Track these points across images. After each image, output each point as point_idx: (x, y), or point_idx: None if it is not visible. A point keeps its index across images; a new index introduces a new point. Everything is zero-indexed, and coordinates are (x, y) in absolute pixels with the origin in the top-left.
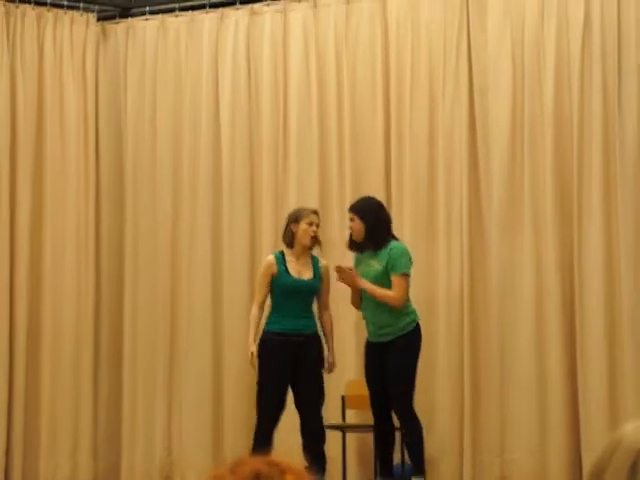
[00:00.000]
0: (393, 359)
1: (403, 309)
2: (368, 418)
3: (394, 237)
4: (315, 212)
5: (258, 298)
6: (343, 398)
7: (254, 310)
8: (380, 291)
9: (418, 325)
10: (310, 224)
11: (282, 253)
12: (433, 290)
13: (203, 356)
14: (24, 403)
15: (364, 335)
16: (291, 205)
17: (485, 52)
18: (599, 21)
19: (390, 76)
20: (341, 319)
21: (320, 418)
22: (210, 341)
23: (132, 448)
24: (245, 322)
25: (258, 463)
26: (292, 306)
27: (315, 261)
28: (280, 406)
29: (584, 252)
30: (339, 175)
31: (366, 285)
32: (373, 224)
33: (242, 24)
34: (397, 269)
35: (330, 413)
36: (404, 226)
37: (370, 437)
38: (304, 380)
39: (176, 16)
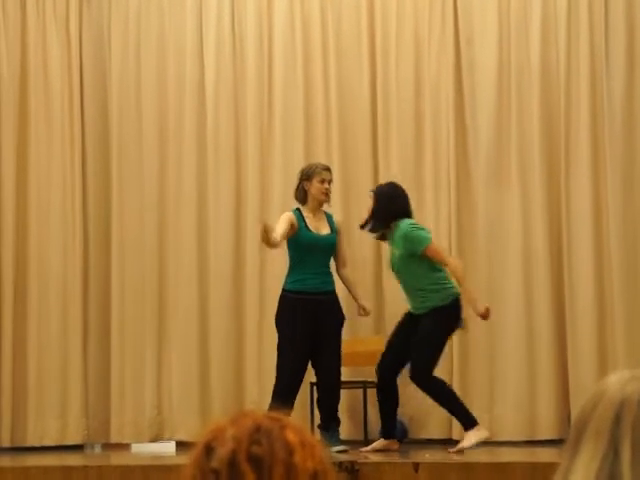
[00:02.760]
0: (421, 328)
1: (431, 284)
2: (359, 375)
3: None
4: (327, 169)
5: (279, 229)
6: None
7: (275, 235)
8: (460, 283)
9: (454, 301)
10: (322, 182)
11: (299, 209)
12: None
13: (191, 315)
14: (12, 364)
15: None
16: (277, 166)
17: (471, 2)
18: None
19: (375, 27)
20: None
21: (338, 375)
22: (197, 300)
23: (121, 407)
24: (231, 282)
25: (259, 416)
26: (312, 262)
27: (329, 217)
28: (301, 372)
29: (572, 205)
30: (325, 129)
31: (467, 293)
32: (380, 207)
33: None
34: (419, 245)
35: None
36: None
37: (361, 393)
38: (325, 338)
39: None
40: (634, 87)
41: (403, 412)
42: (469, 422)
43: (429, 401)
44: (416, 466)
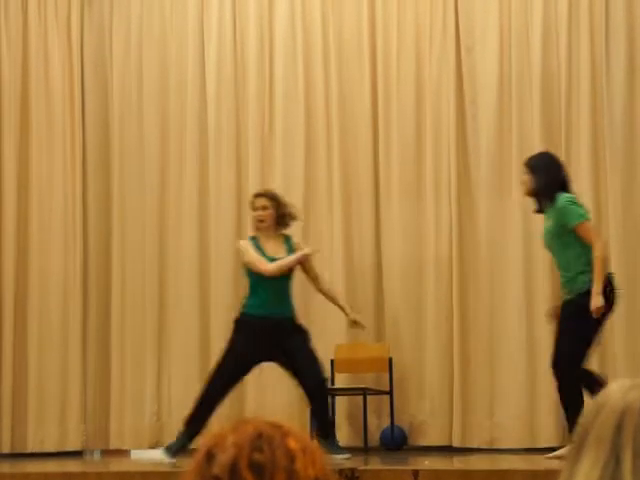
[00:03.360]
0: (562, 319)
1: (580, 266)
2: (359, 381)
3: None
4: (257, 195)
5: (263, 261)
6: (332, 362)
7: (271, 265)
8: (597, 273)
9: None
10: (255, 209)
11: (254, 238)
12: (422, 254)
13: (191, 320)
14: (12, 371)
15: (355, 300)
16: (278, 169)
17: (472, 10)
18: None
19: (376, 34)
20: (331, 285)
21: (322, 381)
22: (198, 306)
23: (121, 414)
24: (232, 288)
25: (261, 423)
26: (271, 286)
27: (287, 240)
28: (231, 385)
29: None
30: (326, 137)
31: (596, 286)
32: (540, 180)
33: None
34: (572, 220)
35: None
36: (392, 189)
37: (361, 400)
38: (295, 351)
39: None
40: (634, 95)
41: (402, 419)
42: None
43: (428, 408)
44: (415, 473)
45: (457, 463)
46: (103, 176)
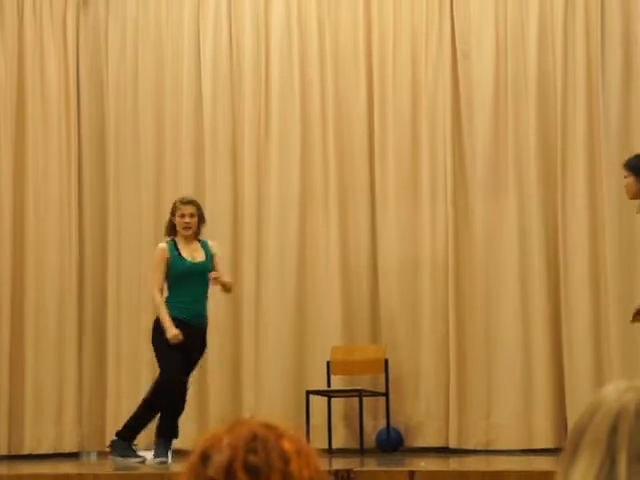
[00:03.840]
0: None
1: None
2: (354, 383)
3: None
4: (187, 202)
5: (157, 284)
6: (328, 364)
7: (157, 296)
8: None
9: None
10: (182, 216)
11: (174, 241)
12: (418, 254)
13: None
14: (8, 373)
15: (350, 301)
16: (274, 171)
17: (468, 16)
18: None
19: (373, 39)
20: (326, 286)
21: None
22: None
23: (117, 415)
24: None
25: (256, 425)
26: (189, 289)
27: (204, 243)
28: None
29: (568, 215)
30: (322, 141)
31: None
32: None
33: None
34: None
35: (315, 379)
36: (388, 190)
37: (356, 402)
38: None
39: None
40: (630, 99)
41: (398, 421)
42: None
43: (424, 409)
44: (411, 475)
45: (453, 464)
46: (99, 176)
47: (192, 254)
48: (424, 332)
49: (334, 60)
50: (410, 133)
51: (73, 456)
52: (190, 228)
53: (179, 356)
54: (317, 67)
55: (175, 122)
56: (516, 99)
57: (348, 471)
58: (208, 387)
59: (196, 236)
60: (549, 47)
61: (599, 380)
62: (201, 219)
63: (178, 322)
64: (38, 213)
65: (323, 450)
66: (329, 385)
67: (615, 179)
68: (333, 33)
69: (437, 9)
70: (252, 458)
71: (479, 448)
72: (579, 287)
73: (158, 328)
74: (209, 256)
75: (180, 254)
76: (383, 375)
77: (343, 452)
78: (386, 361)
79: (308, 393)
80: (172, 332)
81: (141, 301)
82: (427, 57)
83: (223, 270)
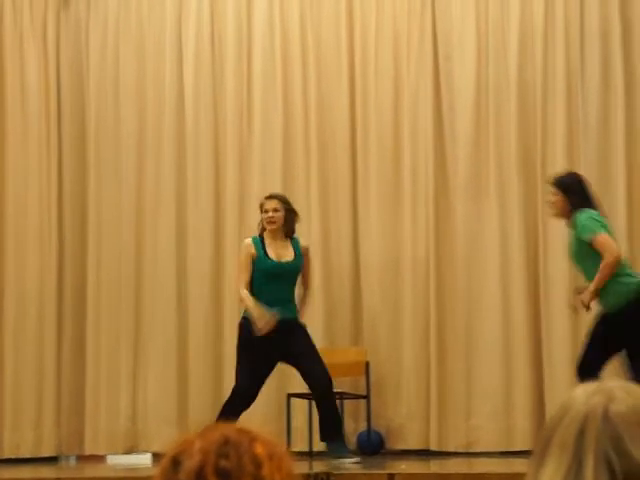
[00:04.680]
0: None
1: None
2: (335, 386)
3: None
4: (268, 197)
5: (243, 279)
6: None
7: (242, 290)
8: (598, 279)
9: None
10: (265, 212)
11: (261, 237)
12: (400, 257)
13: (168, 325)
14: None
15: (332, 302)
16: (256, 166)
17: (449, 18)
18: None
19: (355, 43)
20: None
21: (327, 382)
22: (175, 310)
23: (96, 419)
24: (209, 291)
25: (228, 429)
26: (274, 291)
27: (295, 242)
28: (252, 393)
29: (548, 218)
30: (304, 142)
31: (592, 290)
32: (570, 197)
33: None
34: (587, 233)
35: (296, 382)
36: (370, 194)
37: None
38: (298, 352)
39: None
40: (609, 103)
41: (379, 423)
42: None
43: (405, 412)
44: (391, 477)
45: (434, 467)
46: (79, 174)
47: (278, 252)
48: (405, 335)
49: (316, 60)
50: (392, 134)
51: (52, 460)
52: (274, 223)
53: (256, 364)
54: (299, 71)
55: (157, 120)
56: (497, 102)
57: (328, 474)
58: (189, 390)
59: (287, 234)
60: (529, 48)
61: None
62: (289, 214)
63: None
64: (18, 212)
65: (304, 453)
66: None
67: (594, 181)
68: (315, 36)
69: (419, 11)
70: (223, 463)
71: (460, 450)
72: (559, 289)
73: (241, 330)
74: (298, 256)
75: (266, 252)
76: (364, 378)
77: (324, 455)
78: (367, 364)
79: (289, 396)
80: (260, 323)
81: (121, 303)
82: (409, 59)
83: (308, 272)
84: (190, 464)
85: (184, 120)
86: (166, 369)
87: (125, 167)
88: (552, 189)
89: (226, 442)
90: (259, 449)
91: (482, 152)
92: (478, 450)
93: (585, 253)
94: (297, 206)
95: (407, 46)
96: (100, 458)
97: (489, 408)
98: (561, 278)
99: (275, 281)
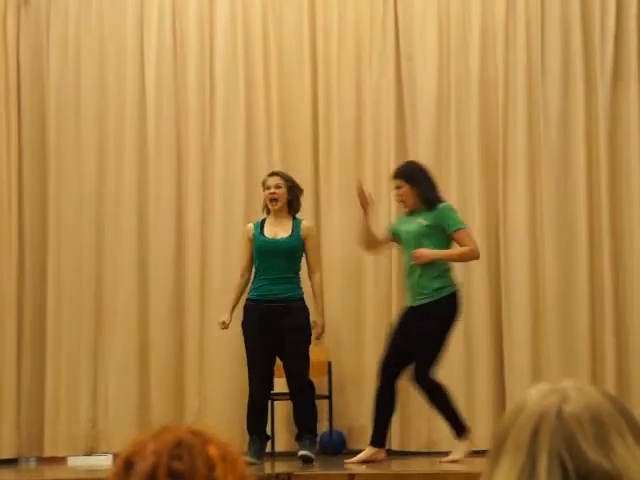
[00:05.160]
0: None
1: (439, 272)
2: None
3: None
4: (271, 174)
5: (240, 265)
6: None
7: (237, 278)
8: (454, 252)
9: (455, 293)
10: (268, 188)
11: (263, 219)
12: (362, 256)
13: (129, 327)
14: None
15: None
16: (218, 170)
17: (411, 19)
18: None
19: (317, 44)
20: None
21: (301, 383)
22: (136, 312)
23: (56, 420)
24: (171, 292)
25: (181, 431)
26: (269, 268)
27: (296, 222)
28: (265, 379)
29: (509, 217)
30: (267, 143)
31: (439, 254)
32: (424, 187)
33: None
34: (458, 224)
35: None
36: (332, 194)
37: None
38: (288, 352)
39: None
40: (569, 101)
41: (341, 424)
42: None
43: (367, 412)
44: (352, 477)
45: (395, 467)
46: (40, 175)
47: (275, 230)
48: (367, 334)
49: (278, 60)
50: (354, 133)
51: (12, 462)
52: (277, 200)
53: (260, 353)
54: (261, 71)
55: (118, 120)
56: (458, 101)
57: (289, 474)
58: (150, 391)
59: (291, 212)
60: (490, 49)
61: (538, 381)
62: (292, 191)
63: (253, 304)
64: None
65: (266, 454)
66: (272, 388)
67: (555, 181)
68: (277, 32)
69: (381, 12)
70: (176, 464)
71: (421, 450)
72: (519, 289)
73: (243, 314)
74: (296, 235)
75: (262, 231)
76: (326, 378)
77: (285, 455)
78: (329, 364)
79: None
80: (220, 319)
81: (82, 304)
82: (371, 58)
83: (313, 258)
84: (143, 466)
85: (146, 119)
86: (127, 370)
87: (87, 167)
88: (397, 181)
89: (179, 444)
90: (212, 451)
91: (443, 153)
92: (439, 450)
93: (431, 242)
94: (260, 210)
95: (369, 45)
96: (60, 460)
97: None
98: (521, 280)
99: (270, 259)
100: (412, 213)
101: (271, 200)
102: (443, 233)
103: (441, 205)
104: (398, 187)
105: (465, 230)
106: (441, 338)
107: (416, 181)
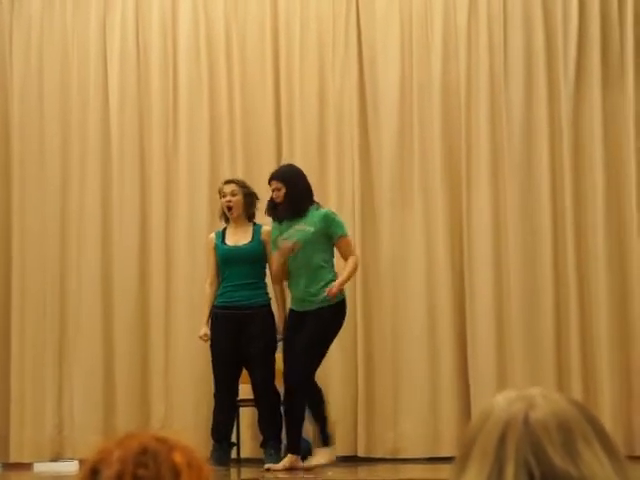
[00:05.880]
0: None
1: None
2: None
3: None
4: (228, 181)
5: (208, 275)
6: None
7: (205, 288)
8: (350, 270)
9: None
10: (223, 196)
11: (224, 228)
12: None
13: (94, 333)
14: None
15: None
16: (182, 176)
17: (373, 22)
18: None
19: (280, 50)
20: None
21: (267, 391)
22: (100, 319)
23: (21, 426)
24: (136, 298)
25: (146, 438)
26: (231, 275)
27: (257, 227)
28: (231, 385)
29: (473, 223)
30: (230, 147)
31: (343, 282)
32: (296, 191)
33: None
34: (340, 230)
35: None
36: None
37: None
38: (253, 359)
39: None
40: (532, 104)
41: (307, 429)
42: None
43: (333, 418)
44: None
45: (361, 473)
46: (3, 184)
47: (236, 238)
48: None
49: (241, 65)
50: (317, 138)
51: None
52: (232, 208)
53: (226, 359)
54: (225, 81)
55: (81, 126)
56: (421, 105)
57: None
58: (116, 397)
59: (249, 219)
60: (453, 53)
61: (503, 388)
62: (248, 198)
63: (219, 311)
64: None
65: (233, 460)
66: (238, 394)
67: (518, 184)
68: (240, 36)
69: (344, 15)
70: (142, 472)
71: (387, 457)
72: (483, 297)
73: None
74: (256, 240)
75: (224, 240)
76: None
77: (251, 462)
78: None
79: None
80: (200, 332)
81: (46, 311)
82: (334, 63)
83: (272, 258)
84: (108, 473)
85: (109, 125)
86: (92, 377)
87: (50, 173)
88: (277, 184)
89: (145, 451)
90: (178, 458)
91: (406, 158)
92: (405, 456)
93: (316, 248)
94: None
95: (332, 50)
96: (26, 466)
97: (416, 415)
98: (485, 287)
99: (233, 266)
100: (292, 218)
101: (227, 208)
102: (327, 239)
103: (324, 211)
104: (278, 189)
105: (348, 237)
106: (325, 344)
107: (294, 184)
